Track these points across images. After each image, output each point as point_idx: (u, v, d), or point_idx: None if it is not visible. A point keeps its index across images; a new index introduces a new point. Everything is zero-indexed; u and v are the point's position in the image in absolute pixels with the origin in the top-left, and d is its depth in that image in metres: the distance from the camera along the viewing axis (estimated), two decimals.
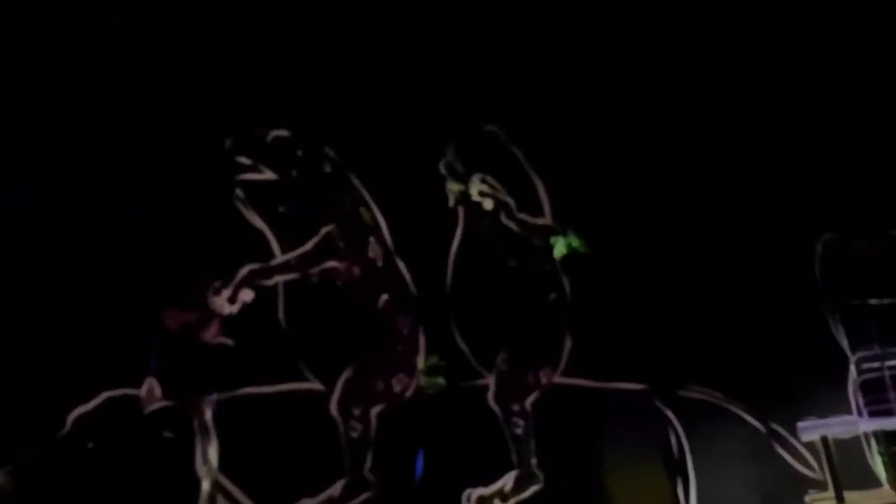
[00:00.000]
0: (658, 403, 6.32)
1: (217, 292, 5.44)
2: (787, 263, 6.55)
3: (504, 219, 6.30)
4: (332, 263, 5.72)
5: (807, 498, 6.15)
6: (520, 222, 6.34)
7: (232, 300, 5.44)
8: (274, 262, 5.65)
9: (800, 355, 6.37)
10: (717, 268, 6.45)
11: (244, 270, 5.54)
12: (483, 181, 6.22)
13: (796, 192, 6.63)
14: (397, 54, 6.19)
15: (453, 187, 6.19)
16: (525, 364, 6.08)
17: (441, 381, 5.87)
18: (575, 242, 6.43)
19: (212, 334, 5.37)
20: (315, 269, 5.68)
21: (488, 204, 6.25)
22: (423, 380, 5.83)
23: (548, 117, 6.42)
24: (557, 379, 6.17)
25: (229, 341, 5.38)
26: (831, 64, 6.70)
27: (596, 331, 6.28)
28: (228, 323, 5.46)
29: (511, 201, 6.34)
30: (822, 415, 6.15)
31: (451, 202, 6.19)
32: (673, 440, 6.29)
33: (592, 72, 6.52)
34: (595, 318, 6.29)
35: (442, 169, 6.23)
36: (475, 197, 6.22)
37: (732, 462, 6.29)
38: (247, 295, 5.46)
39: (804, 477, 6.28)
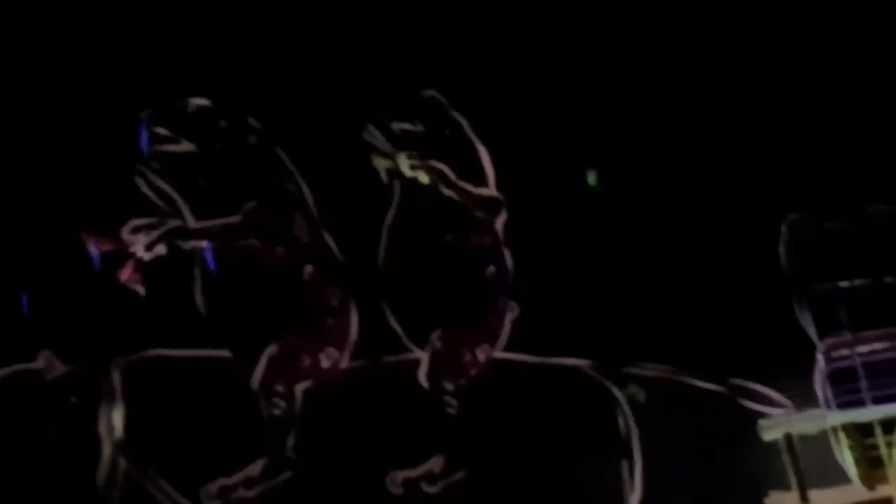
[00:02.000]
0: (605, 380, 6.08)
1: (136, 231, 5.24)
2: (751, 244, 6.28)
3: (444, 189, 6.05)
4: (254, 241, 5.51)
5: (767, 500, 5.88)
6: (461, 192, 6.08)
7: (150, 247, 5.23)
8: (198, 225, 5.42)
9: (761, 346, 6.07)
10: (672, 245, 6.19)
11: (169, 224, 5.34)
12: (410, 156, 5.96)
13: (766, 166, 6.36)
14: (326, 17, 5.95)
15: (381, 163, 5.94)
16: (461, 341, 5.84)
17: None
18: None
19: (126, 274, 5.18)
20: (236, 243, 5.47)
21: (424, 178, 6.00)
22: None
23: (492, 82, 6.15)
24: (497, 356, 5.94)
25: (141, 288, 5.18)
26: (801, 32, 6.43)
27: (540, 306, 6.04)
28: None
29: (448, 170, 6.08)
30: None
31: (384, 178, 5.94)
32: (620, 418, 6.05)
33: (538, 34, 6.26)
34: (539, 293, 6.05)
35: (368, 137, 5.98)
36: (408, 173, 5.97)
37: (688, 439, 6.05)
38: (162, 249, 5.26)
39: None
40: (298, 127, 5.80)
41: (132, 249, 5.22)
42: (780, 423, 5.90)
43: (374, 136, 5.94)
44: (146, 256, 5.24)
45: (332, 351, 5.46)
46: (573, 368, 6.05)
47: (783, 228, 6.31)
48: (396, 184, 5.97)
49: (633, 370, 6.12)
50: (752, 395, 6.06)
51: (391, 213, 5.94)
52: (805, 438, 5.89)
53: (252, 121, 5.75)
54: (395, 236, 5.91)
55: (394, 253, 5.88)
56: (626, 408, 6.04)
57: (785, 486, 5.86)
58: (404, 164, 5.94)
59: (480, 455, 5.67)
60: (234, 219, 5.51)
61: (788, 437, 5.84)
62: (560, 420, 5.89)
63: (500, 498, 5.68)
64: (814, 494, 5.80)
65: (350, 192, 5.86)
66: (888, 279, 6.26)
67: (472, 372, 5.82)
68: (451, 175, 6.03)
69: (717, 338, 6.05)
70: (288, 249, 5.58)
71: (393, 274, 5.85)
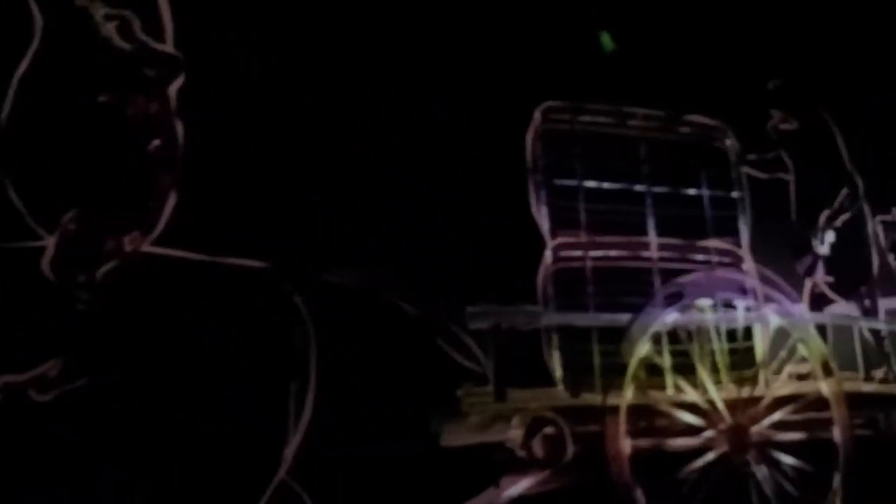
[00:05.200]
0: (283, 286, 5.27)
1: None
2: (498, 131, 5.74)
3: (118, 40, 5.01)
4: None
5: (459, 391, 5.40)
6: (140, 45, 5.06)
7: None
8: None
9: (484, 234, 5.54)
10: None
11: None
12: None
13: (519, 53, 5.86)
14: None
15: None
16: (103, 226, 4.88)
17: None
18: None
19: None
20: None
21: (107, 30, 4.97)
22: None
23: None
24: (149, 248, 5.03)
25: None
26: None
27: (211, 191, 5.16)
28: None
29: (136, 20, 5.05)
30: (502, 302, 5.47)
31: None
32: (297, 331, 5.28)
33: None
34: (212, 175, 5.16)
35: None
36: (100, 22, 4.93)
37: (374, 356, 5.38)
38: None
39: (464, 370, 5.48)
40: None
41: None
42: (490, 314, 5.44)
43: None
44: None
45: None
46: (246, 270, 5.21)
47: (536, 115, 5.85)
48: (37, 26, 4.87)
49: (319, 276, 5.37)
50: (448, 334, 5.46)
51: (27, 62, 4.84)
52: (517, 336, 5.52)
53: None
54: (29, 92, 4.83)
55: (24, 113, 4.81)
56: (307, 318, 5.28)
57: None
58: (98, 10, 4.89)
59: (113, 362, 4.79)
60: None
61: (496, 329, 5.41)
62: (225, 328, 5.07)
63: (136, 412, 4.83)
64: (512, 393, 5.42)
65: None
66: (638, 187, 6.00)
67: (114, 263, 4.89)
68: (137, 27, 5.04)
69: (430, 231, 5.52)
70: None
71: (20, 140, 4.79)
